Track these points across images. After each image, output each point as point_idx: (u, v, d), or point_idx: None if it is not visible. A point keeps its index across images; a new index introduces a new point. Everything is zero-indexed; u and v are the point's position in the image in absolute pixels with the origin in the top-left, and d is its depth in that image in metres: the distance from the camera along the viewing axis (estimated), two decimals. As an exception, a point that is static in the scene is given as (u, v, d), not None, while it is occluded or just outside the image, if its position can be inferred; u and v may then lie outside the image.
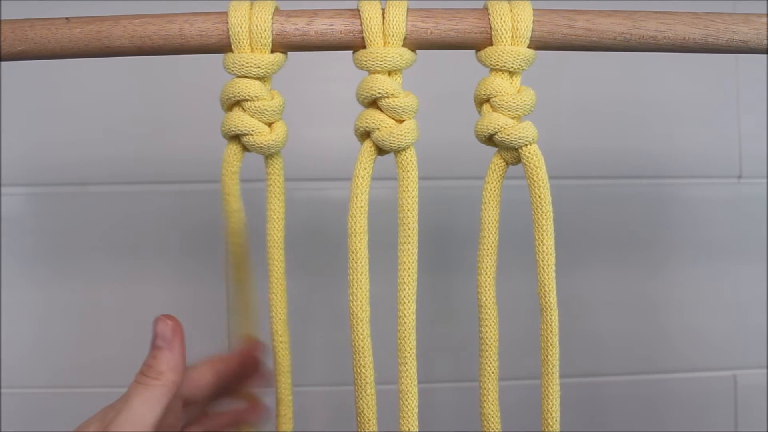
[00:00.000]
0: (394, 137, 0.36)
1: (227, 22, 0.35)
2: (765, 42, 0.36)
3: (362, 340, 0.36)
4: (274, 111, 0.36)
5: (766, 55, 0.37)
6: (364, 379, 0.37)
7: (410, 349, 0.37)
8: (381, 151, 0.37)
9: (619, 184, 0.67)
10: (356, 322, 0.36)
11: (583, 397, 0.67)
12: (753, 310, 0.68)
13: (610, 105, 0.66)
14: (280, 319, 0.40)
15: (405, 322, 0.37)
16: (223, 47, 0.35)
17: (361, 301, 0.36)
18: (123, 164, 0.63)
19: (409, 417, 0.37)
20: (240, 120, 0.36)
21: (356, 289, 0.36)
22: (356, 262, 0.36)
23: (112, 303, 0.63)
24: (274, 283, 0.39)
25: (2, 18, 0.35)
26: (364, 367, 0.37)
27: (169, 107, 0.63)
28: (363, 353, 0.37)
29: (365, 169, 0.36)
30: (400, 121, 0.36)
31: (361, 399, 0.37)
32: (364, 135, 0.37)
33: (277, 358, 0.40)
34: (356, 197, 0.36)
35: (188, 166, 0.63)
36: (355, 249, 0.36)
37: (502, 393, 0.39)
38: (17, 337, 0.63)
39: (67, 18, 0.35)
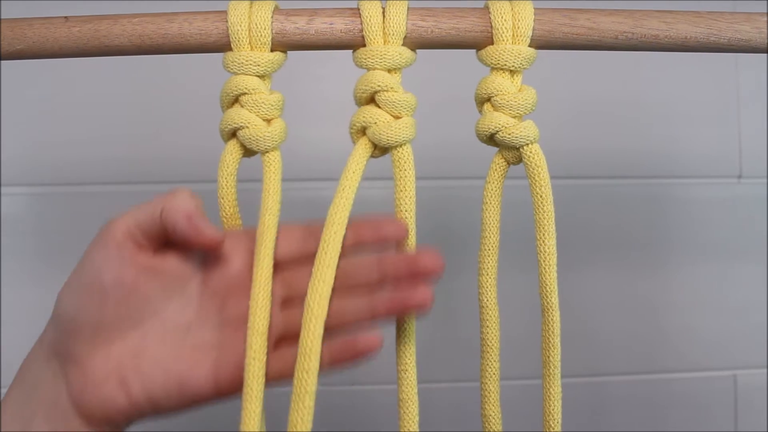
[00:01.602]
0: (391, 130, 0.35)
1: (227, 21, 0.35)
2: (766, 41, 0.36)
3: (312, 341, 0.32)
4: (272, 106, 0.36)
5: (766, 56, 0.37)
6: (305, 387, 0.32)
7: (410, 355, 0.36)
8: (376, 151, 0.37)
9: (619, 184, 0.67)
10: (310, 318, 0.32)
11: (583, 397, 0.67)
12: (753, 310, 0.68)
13: (610, 105, 0.66)
14: (257, 330, 0.33)
15: (405, 328, 0.36)
16: (223, 46, 0.35)
17: (320, 296, 0.32)
18: (123, 164, 0.63)
19: (409, 424, 0.35)
20: (237, 114, 0.36)
21: (318, 281, 0.33)
22: (326, 253, 0.33)
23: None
24: (257, 288, 0.34)
25: (2, 17, 0.35)
26: (307, 372, 0.32)
27: (169, 107, 0.63)
28: (309, 356, 0.32)
29: (358, 164, 0.35)
30: (398, 118, 0.36)
31: (297, 411, 0.32)
32: (360, 132, 0.36)
33: (248, 379, 0.33)
34: (343, 190, 0.35)
35: (188, 166, 0.63)
36: (328, 239, 0.34)
37: (503, 392, 0.38)
38: (17, 337, 0.63)
39: (65, 17, 0.35)
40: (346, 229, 0.35)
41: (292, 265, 0.36)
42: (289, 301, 0.36)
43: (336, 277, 0.34)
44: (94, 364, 0.32)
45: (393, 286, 0.34)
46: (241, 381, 0.33)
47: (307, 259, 0.35)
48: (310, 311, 0.33)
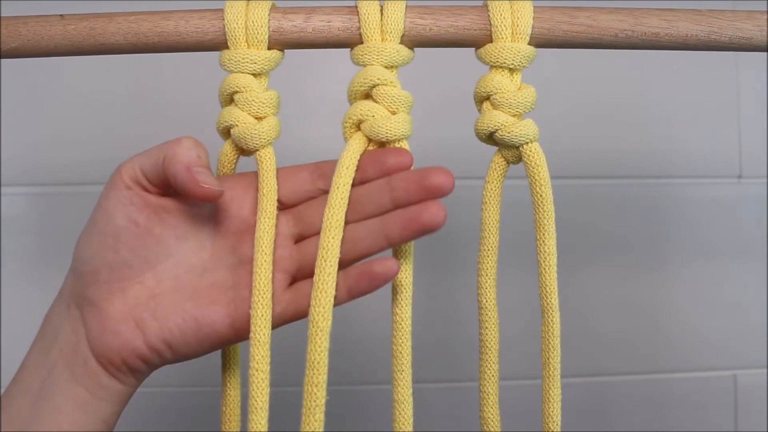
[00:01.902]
0: (390, 123, 0.35)
1: (223, 19, 0.34)
2: (767, 39, 0.36)
3: (319, 354, 0.31)
4: (263, 103, 0.35)
5: (766, 55, 0.37)
6: (315, 401, 0.31)
7: (406, 355, 0.35)
8: (369, 146, 0.36)
9: (619, 184, 0.67)
10: (315, 331, 0.32)
11: (583, 397, 0.67)
12: (753, 310, 0.68)
13: (610, 105, 0.66)
14: (260, 341, 0.33)
15: (400, 327, 0.36)
16: (220, 44, 0.35)
17: (323, 307, 0.32)
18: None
19: (403, 425, 0.35)
20: (228, 112, 0.36)
21: (320, 292, 0.32)
22: (325, 260, 0.33)
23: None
24: (258, 295, 0.33)
25: (1, 16, 0.35)
26: (316, 386, 0.31)
27: (169, 107, 0.63)
28: (318, 369, 0.31)
29: (352, 159, 0.35)
30: (394, 113, 0.36)
31: (309, 423, 0.32)
32: (354, 127, 0.36)
33: (252, 391, 0.32)
34: (337, 188, 0.34)
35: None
36: (327, 245, 0.33)
37: (502, 393, 0.38)
38: (17, 337, 0.63)
39: (61, 15, 0.34)
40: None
41: (302, 202, 0.36)
42: (301, 236, 0.36)
43: (348, 204, 0.34)
44: (111, 307, 0.33)
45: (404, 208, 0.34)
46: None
47: (317, 195, 0.36)
48: (315, 325, 0.32)
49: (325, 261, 0.33)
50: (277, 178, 0.36)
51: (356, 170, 0.35)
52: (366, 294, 0.34)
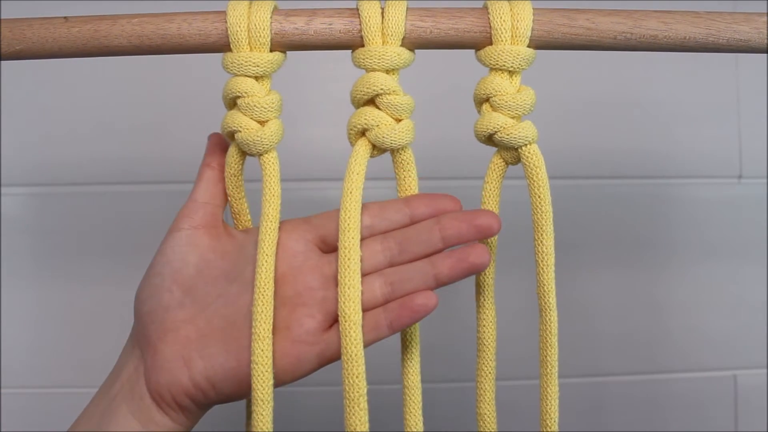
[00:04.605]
0: (395, 134, 0.36)
1: (226, 22, 0.35)
2: (766, 41, 0.36)
3: (354, 347, 0.33)
4: (265, 108, 0.35)
5: (766, 55, 0.37)
6: (357, 391, 0.33)
7: (414, 357, 0.37)
8: (375, 151, 0.37)
9: (619, 184, 0.67)
10: (348, 325, 0.33)
11: (582, 397, 0.67)
12: (753, 310, 0.68)
13: (610, 105, 0.66)
14: (262, 335, 0.34)
15: (409, 332, 0.37)
16: (222, 47, 0.35)
17: (353, 303, 0.34)
18: (122, 164, 0.63)
19: (413, 419, 0.36)
20: (231, 117, 0.36)
21: (348, 288, 0.34)
22: (348, 260, 0.34)
23: (112, 303, 0.63)
24: (260, 294, 0.34)
25: (1, 18, 0.35)
26: (357, 377, 0.33)
27: (169, 107, 0.63)
28: (355, 361, 0.33)
29: (360, 165, 0.36)
30: (398, 120, 0.36)
31: (354, 414, 0.33)
32: (359, 134, 0.37)
33: (255, 385, 0.33)
34: (350, 192, 0.35)
35: (188, 166, 0.62)
36: (348, 246, 0.34)
37: (501, 393, 0.39)
38: (17, 337, 0.63)
39: (65, 17, 0.35)
40: (400, 203, 0.37)
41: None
42: None
43: (399, 244, 0.36)
44: (165, 346, 0.34)
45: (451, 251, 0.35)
46: (298, 363, 0.35)
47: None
48: (347, 320, 0.33)
49: (347, 268, 0.34)
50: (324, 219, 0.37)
51: (407, 208, 0.36)
52: (406, 327, 0.35)
